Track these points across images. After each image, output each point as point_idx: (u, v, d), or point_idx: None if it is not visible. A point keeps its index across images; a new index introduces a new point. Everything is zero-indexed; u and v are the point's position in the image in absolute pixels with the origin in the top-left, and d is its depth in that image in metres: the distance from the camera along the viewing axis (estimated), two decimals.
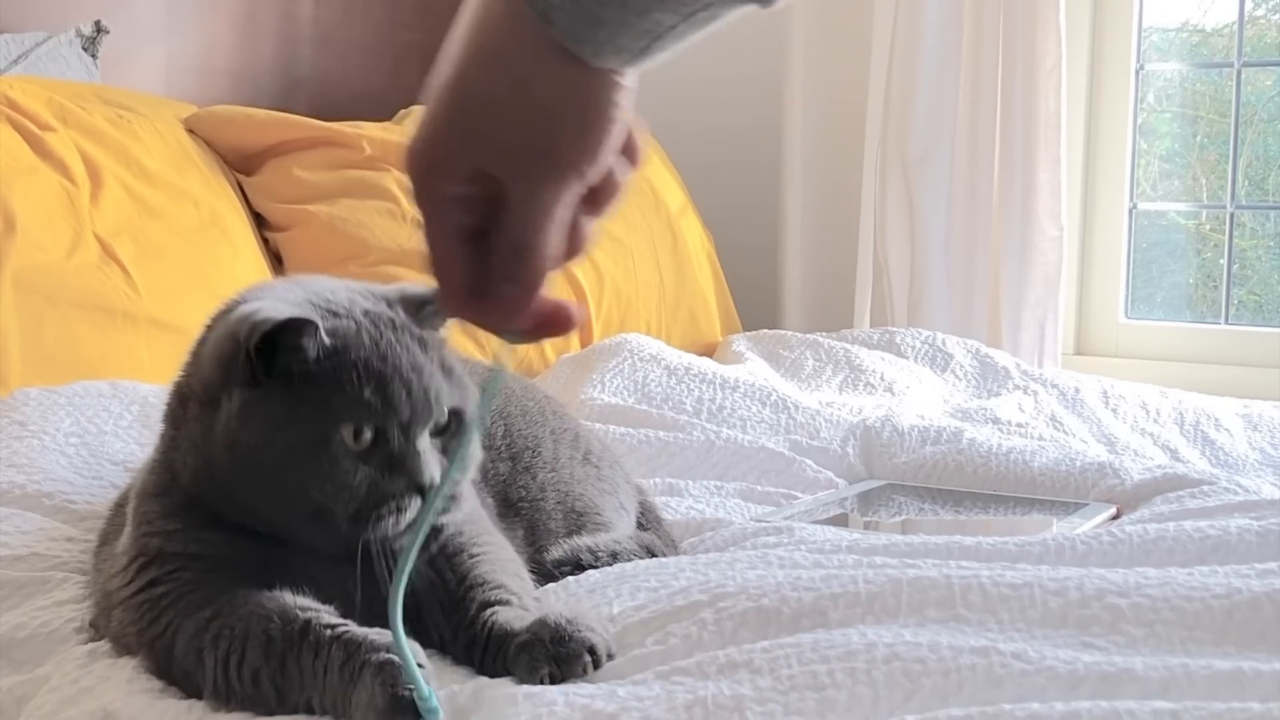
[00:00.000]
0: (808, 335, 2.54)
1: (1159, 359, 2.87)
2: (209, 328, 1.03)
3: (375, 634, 0.90)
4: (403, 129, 2.48)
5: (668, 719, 0.83)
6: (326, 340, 0.95)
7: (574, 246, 0.71)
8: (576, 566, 1.20)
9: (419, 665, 0.86)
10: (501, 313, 0.70)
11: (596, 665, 0.93)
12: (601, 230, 0.72)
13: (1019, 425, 2.03)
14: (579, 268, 2.38)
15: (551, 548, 1.23)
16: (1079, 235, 2.98)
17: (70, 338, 1.71)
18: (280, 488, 0.96)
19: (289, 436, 0.95)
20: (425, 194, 0.70)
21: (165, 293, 1.84)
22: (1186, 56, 3.08)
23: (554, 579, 1.17)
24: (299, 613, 0.93)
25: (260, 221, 2.22)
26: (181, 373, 1.04)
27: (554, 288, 0.71)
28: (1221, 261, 2.97)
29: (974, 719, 0.80)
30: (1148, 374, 2.63)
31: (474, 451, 1.04)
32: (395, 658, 0.87)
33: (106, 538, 1.14)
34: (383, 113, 2.60)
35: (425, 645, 0.99)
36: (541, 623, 0.94)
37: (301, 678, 0.90)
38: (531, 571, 1.12)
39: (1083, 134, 2.97)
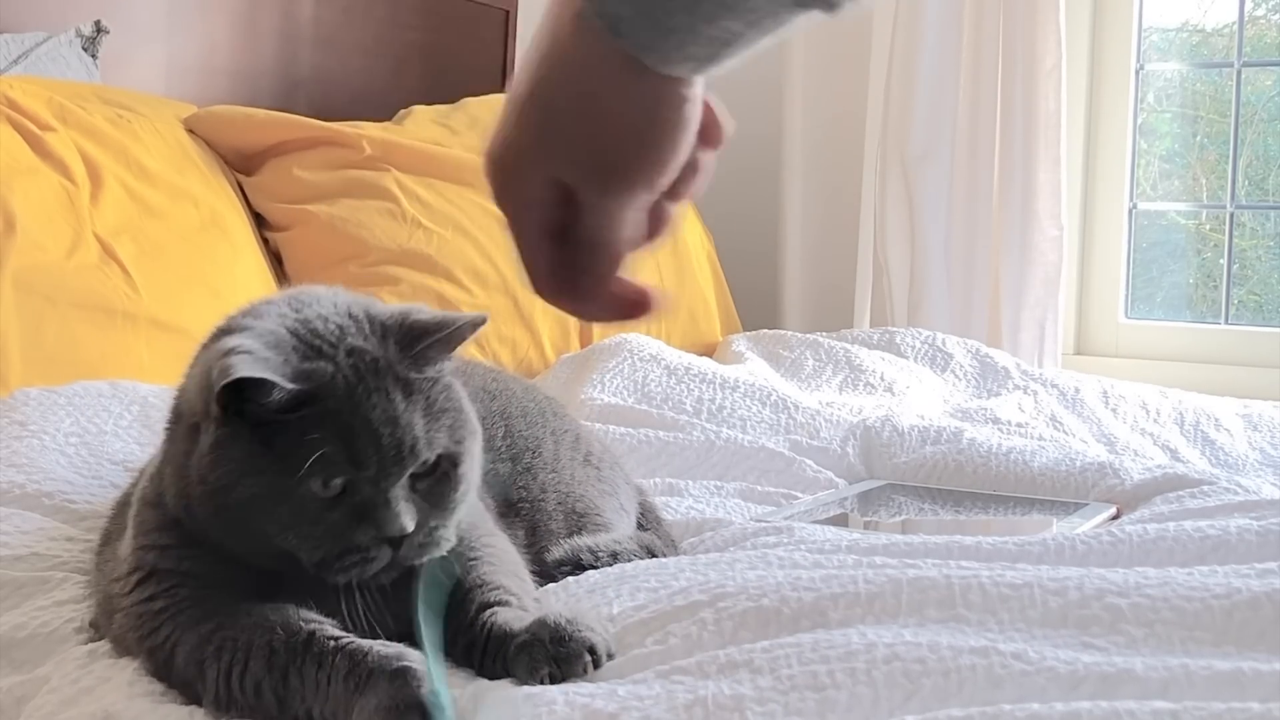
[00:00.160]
0: (808, 335, 2.54)
1: (1159, 359, 2.87)
2: (205, 346, 1.01)
3: (381, 645, 0.90)
4: (403, 129, 2.48)
5: (668, 719, 0.83)
6: (290, 386, 0.93)
7: (655, 229, 0.73)
8: (577, 567, 1.20)
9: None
10: (583, 301, 0.73)
11: (596, 665, 0.93)
12: (685, 211, 0.74)
13: (1019, 425, 2.03)
14: None
15: (552, 548, 1.23)
16: (1079, 235, 2.98)
17: (70, 338, 1.71)
18: (246, 529, 0.95)
19: (254, 483, 0.94)
20: (505, 197, 0.72)
21: (165, 293, 1.84)
22: (1186, 56, 3.08)
23: (554, 579, 1.17)
24: (303, 624, 0.93)
25: (260, 221, 2.22)
26: (181, 383, 1.03)
27: (639, 269, 0.73)
28: (1221, 261, 2.97)
29: (974, 719, 0.80)
30: (1148, 374, 2.64)
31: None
32: (410, 664, 0.87)
33: (109, 537, 1.14)
34: (383, 113, 2.60)
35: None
36: (541, 623, 0.94)
37: (303, 688, 0.90)
38: (532, 572, 1.12)
39: (1083, 134, 2.97)
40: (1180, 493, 1.58)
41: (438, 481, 0.98)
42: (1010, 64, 2.78)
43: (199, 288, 1.90)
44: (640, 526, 1.37)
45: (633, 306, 0.73)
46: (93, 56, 2.25)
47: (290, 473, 0.92)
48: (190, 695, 0.94)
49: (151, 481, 1.04)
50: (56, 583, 1.15)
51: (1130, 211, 2.99)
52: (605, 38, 0.66)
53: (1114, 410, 2.19)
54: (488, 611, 0.99)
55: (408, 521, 0.95)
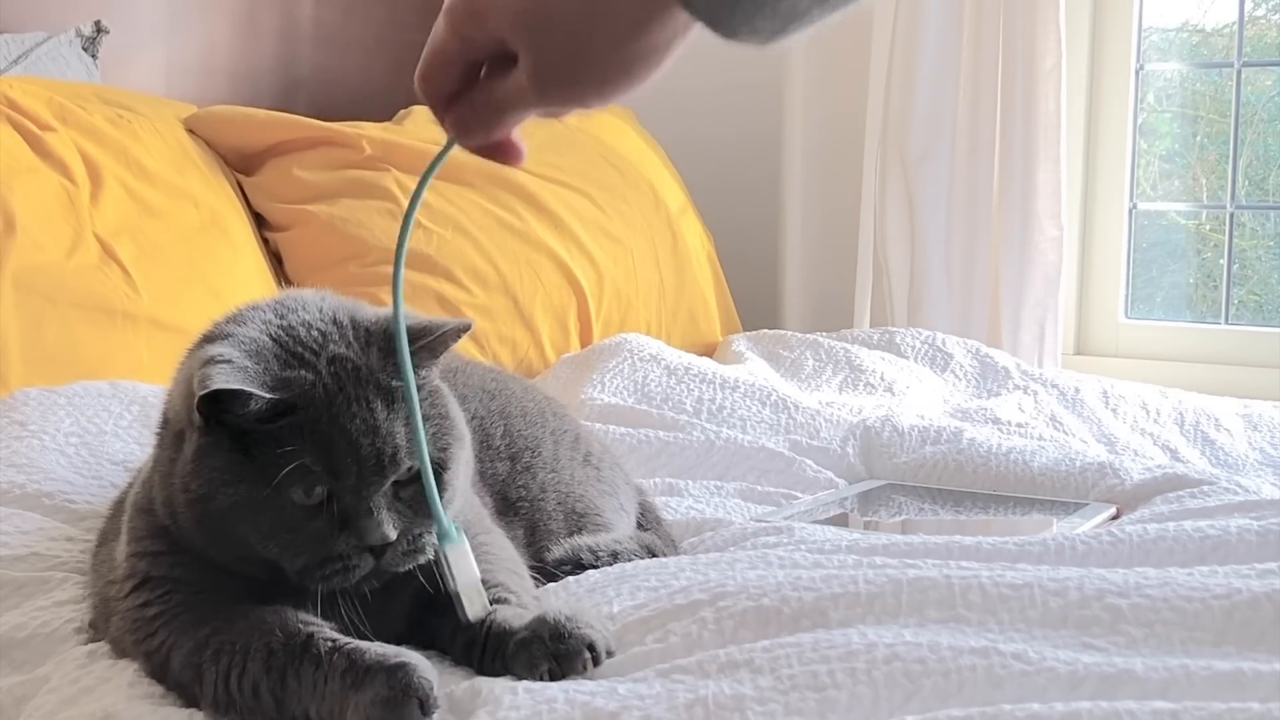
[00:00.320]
0: (808, 335, 2.54)
1: (1159, 359, 2.87)
2: (190, 352, 1.01)
3: (379, 646, 0.90)
4: (403, 129, 2.48)
5: (668, 718, 0.83)
6: (268, 396, 0.92)
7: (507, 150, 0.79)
8: (577, 566, 1.21)
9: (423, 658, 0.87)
10: (459, 131, 0.78)
11: (596, 662, 0.93)
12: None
13: (1019, 425, 2.03)
14: (579, 268, 2.39)
15: (552, 547, 1.23)
16: (1079, 235, 2.98)
17: (70, 338, 1.71)
18: (229, 537, 0.95)
19: (234, 492, 0.94)
20: (451, 25, 0.74)
21: (165, 293, 1.84)
22: (1186, 56, 3.07)
23: (555, 579, 1.17)
24: (301, 626, 0.93)
25: (260, 221, 2.22)
26: (168, 388, 1.03)
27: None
28: (1221, 261, 2.97)
29: (974, 719, 0.80)
30: (1148, 374, 2.63)
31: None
32: (409, 660, 0.87)
33: (106, 538, 1.14)
34: (383, 113, 2.60)
35: (425, 645, 0.99)
36: (540, 620, 0.94)
37: (300, 688, 0.90)
38: (531, 571, 1.12)
39: (1083, 134, 2.97)
40: (1180, 493, 1.58)
41: (422, 489, 0.97)
42: (1010, 64, 2.78)
43: (199, 288, 1.90)
44: (640, 526, 1.38)
45: (498, 152, 0.79)
46: (93, 56, 2.25)
47: (270, 482, 0.92)
48: (187, 698, 0.94)
49: (143, 487, 1.04)
50: (56, 583, 1.15)
51: (1130, 211, 2.99)
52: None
53: (1114, 410, 2.19)
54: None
55: (389, 530, 0.94)
